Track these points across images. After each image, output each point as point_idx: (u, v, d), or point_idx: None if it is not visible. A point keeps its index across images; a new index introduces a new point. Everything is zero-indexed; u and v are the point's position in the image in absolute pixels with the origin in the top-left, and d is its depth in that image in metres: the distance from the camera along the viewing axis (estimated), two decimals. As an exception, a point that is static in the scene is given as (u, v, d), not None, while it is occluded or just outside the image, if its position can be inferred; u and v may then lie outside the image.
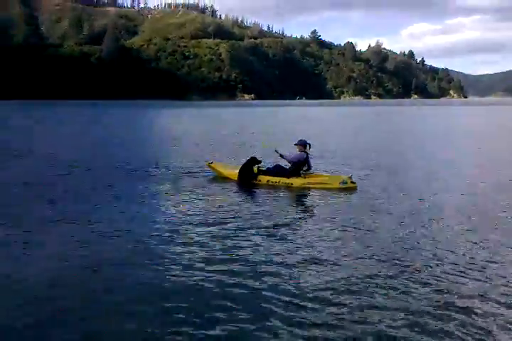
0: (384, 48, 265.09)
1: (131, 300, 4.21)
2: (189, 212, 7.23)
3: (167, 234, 6.08)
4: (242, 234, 6.10)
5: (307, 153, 9.75)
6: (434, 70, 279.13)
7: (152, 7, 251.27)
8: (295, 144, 9.94)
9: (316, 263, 5.09)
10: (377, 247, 5.58)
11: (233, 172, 10.01)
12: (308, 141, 9.84)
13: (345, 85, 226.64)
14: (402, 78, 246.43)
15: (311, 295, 4.29)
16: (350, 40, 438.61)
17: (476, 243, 5.81)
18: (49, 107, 73.15)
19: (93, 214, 7.17)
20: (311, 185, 9.20)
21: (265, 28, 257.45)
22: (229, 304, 4.11)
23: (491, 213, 7.31)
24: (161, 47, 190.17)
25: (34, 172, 11.32)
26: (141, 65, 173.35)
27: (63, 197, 8.39)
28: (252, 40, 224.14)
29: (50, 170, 11.49)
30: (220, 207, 7.60)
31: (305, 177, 9.47)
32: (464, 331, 3.71)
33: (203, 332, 3.68)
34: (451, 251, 5.47)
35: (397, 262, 5.12)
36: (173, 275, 4.72)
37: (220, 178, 10.20)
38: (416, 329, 3.73)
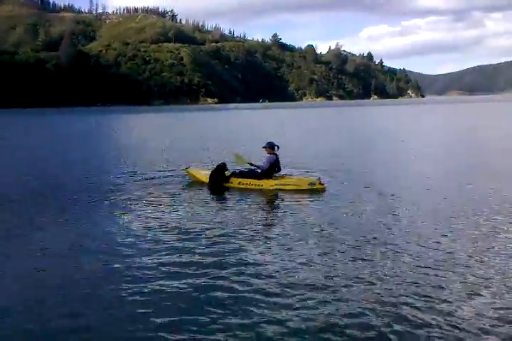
0: (344, 50, 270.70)
1: (109, 309, 4.26)
2: (158, 220, 7.19)
3: (131, 245, 6.03)
4: (213, 240, 6.13)
5: (276, 155, 9.83)
6: (392, 71, 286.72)
7: (110, 12, 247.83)
8: (263, 147, 9.98)
9: (291, 262, 5.24)
10: (348, 246, 5.75)
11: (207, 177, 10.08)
12: (275, 143, 9.92)
13: (307, 87, 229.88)
14: (362, 79, 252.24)
15: (291, 294, 4.43)
16: (311, 42, 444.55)
17: (444, 235, 6.13)
18: (4, 116, 70.74)
19: (64, 225, 7.11)
20: (280, 187, 9.31)
21: (226, 32, 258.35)
22: (212, 309, 4.17)
23: (457, 207, 7.61)
24: (120, 53, 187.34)
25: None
26: (101, 71, 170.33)
27: (28, 212, 8.08)
28: (214, 44, 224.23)
29: (7, 184, 11.02)
30: (191, 214, 7.61)
31: (275, 179, 9.59)
32: (445, 323, 3.87)
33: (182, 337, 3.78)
34: (421, 246, 5.72)
35: (369, 258, 5.30)
36: (147, 284, 4.77)
37: (191, 184, 10.28)
38: (391, 322, 3.88)
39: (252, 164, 10.13)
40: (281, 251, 5.70)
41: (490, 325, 3.86)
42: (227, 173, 9.92)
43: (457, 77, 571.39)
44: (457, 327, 3.83)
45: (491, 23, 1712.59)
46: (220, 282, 4.75)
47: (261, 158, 10.44)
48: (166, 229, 6.69)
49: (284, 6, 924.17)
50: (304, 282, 4.70)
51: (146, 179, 11.07)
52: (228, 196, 9.25)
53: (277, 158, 9.84)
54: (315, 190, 9.02)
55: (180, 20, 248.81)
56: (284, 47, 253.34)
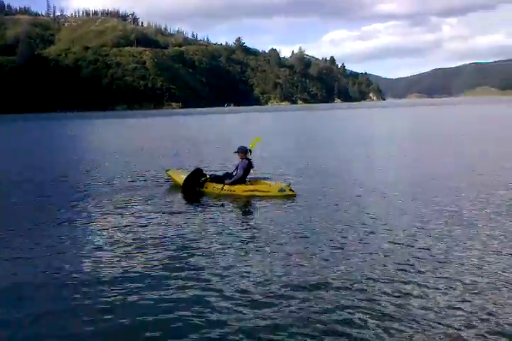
0: (307, 55, 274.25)
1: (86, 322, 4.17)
2: (125, 228, 7.18)
3: (100, 253, 6.03)
4: (182, 246, 6.14)
5: (249, 159, 9.85)
6: (354, 75, 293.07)
7: (69, 15, 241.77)
8: (235, 152, 10.01)
9: (262, 266, 5.33)
10: (320, 252, 5.78)
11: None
12: (248, 147, 9.96)
13: (271, 91, 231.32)
14: (325, 83, 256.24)
15: (266, 296, 4.52)
16: (274, 46, 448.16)
17: (416, 234, 6.39)
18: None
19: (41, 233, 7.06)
20: (251, 193, 9.42)
21: (189, 36, 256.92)
22: (191, 319, 4.15)
23: (428, 207, 7.95)
24: (80, 57, 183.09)
25: None
26: (60, 75, 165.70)
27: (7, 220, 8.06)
28: (177, 47, 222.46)
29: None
30: (160, 219, 7.66)
31: (247, 185, 9.73)
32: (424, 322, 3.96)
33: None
34: (394, 244, 5.96)
35: (343, 262, 5.40)
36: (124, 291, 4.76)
37: (166, 189, 10.39)
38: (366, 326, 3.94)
39: (213, 176, 10.17)
40: (253, 255, 5.77)
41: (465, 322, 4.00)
42: (206, 177, 10.05)
43: (416, 81, 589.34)
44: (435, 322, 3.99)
45: (447, 28, 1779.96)
46: (194, 290, 4.76)
47: (232, 163, 10.64)
48: (134, 237, 6.67)
49: (246, 10, 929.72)
50: (281, 286, 4.78)
51: (115, 184, 11.14)
52: (201, 201, 9.33)
53: (250, 163, 9.87)
54: (286, 196, 9.10)
55: (142, 23, 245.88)
56: (248, 51, 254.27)
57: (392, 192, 9.41)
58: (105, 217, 8.02)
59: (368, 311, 4.15)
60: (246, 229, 7.09)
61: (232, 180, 9.73)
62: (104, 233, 7.01)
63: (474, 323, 3.93)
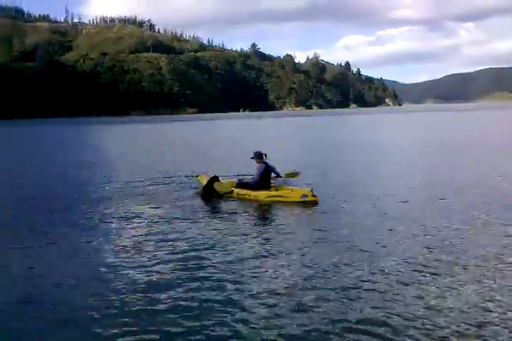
0: (322, 60, 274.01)
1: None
2: (145, 234, 7.10)
3: (121, 257, 5.98)
4: (207, 253, 6.02)
5: (266, 163, 9.83)
6: (369, 80, 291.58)
7: (87, 22, 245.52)
8: (251, 158, 10.04)
9: (282, 269, 5.30)
10: (341, 260, 5.61)
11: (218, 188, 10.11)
12: (262, 152, 9.94)
13: (286, 96, 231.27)
14: (340, 88, 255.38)
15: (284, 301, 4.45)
16: (289, 52, 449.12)
17: (438, 247, 5.99)
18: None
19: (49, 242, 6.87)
20: (274, 199, 9.35)
21: (205, 42, 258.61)
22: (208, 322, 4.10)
23: (453, 213, 7.78)
24: (98, 63, 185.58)
25: None
26: (78, 81, 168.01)
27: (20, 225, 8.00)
28: (193, 53, 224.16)
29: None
30: (183, 225, 7.56)
31: (270, 191, 9.70)
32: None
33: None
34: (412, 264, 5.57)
35: (367, 267, 5.29)
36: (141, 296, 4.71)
37: (183, 195, 10.20)
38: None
39: (241, 181, 10.25)
40: (276, 261, 5.67)
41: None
42: (232, 183, 10.15)
43: (433, 86, 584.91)
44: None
45: (464, 33, 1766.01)
46: (216, 293, 4.73)
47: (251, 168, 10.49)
48: (153, 243, 6.59)
49: (261, 16, 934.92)
50: (296, 290, 4.72)
51: (137, 190, 11.05)
52: (222, 207, 9.24)
53: (267, 166, 9.85)
54: (308, 202, 8.91)
55: (159, 29, 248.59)
56: (263, 56, 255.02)
57: (415, 197, 9.30)
58: (126, 219, 8.12)
59: (396, 314, 4.10)
60: (267, 235, 6.95)
61: (250, 184, 9.84)
62: (125, 234, 7.11)
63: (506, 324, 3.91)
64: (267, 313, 4.21)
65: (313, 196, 8.99)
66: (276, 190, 9.78)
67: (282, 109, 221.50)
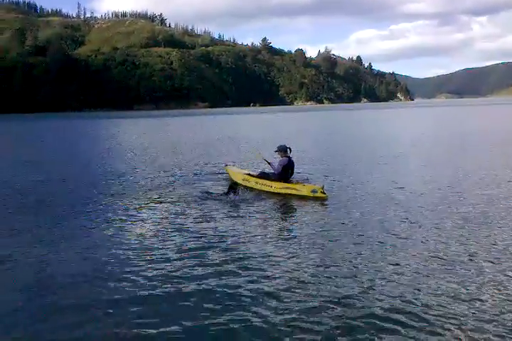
0: (333, 54, 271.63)
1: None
2: (162, 223, 7.32)
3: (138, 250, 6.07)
4: (217, 247, 6.07)
5: (289, 158, 9.83)
6: (381, 74, 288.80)
7: (99, 17, 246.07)
8: (275, 151, 10.03)
9: (288, 263, 5.32)
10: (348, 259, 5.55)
11: (238, 178, 10.61)
12: (287, 145, 9.88)
13: (297, 91, 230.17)
14: (352, 83, 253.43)
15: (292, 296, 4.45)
16: (300, 46, 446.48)
17: (453, 246, 5.83)
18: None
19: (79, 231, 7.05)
20: (284, 191, 9.45)
21: (216, 36, 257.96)
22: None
23: (467, 210, 7.65)
24: (109, 57, 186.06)
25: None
26: (90, 76, 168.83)
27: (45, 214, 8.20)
28: (203, 48, 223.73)
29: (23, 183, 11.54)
30: (204, 219, 7.60)
31: (284, 183, 9.71)
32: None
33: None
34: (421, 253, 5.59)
35: (372, 271, 5.13)
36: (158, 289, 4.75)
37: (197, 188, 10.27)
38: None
39: (266, 160, 10.66)
40: (285, 258, 5.62)
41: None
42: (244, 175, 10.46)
43: (445, 80, 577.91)
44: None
45: (477, 27, 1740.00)
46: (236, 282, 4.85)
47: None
48: (168, 232, 6.78)
49: (273, 10, 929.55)
50: (308, 287, 4.70)
51: (156, 181, 11.33)
52: (238, 201, 9.11)
53: (290, 161, 9.81)
54: (317, 198, 8.89)
55: (170, 24, 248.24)
56: (274, 51, 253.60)
57: (428, 194, 9.15)
58: (148, 209, 8.34)
59: (418, 304, 4.15)
60: (279, 228, 7.04)
61: (271, 175, 9.91)
62: (145, 225, 7.29)
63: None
64: (283, 308, 4.22)
65: (323, 193, 9.00)
66: (289, 183, 9.84)
67: (293, 103, 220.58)
